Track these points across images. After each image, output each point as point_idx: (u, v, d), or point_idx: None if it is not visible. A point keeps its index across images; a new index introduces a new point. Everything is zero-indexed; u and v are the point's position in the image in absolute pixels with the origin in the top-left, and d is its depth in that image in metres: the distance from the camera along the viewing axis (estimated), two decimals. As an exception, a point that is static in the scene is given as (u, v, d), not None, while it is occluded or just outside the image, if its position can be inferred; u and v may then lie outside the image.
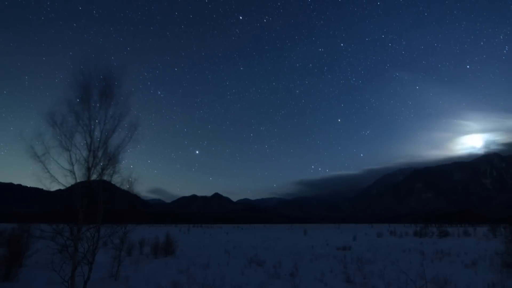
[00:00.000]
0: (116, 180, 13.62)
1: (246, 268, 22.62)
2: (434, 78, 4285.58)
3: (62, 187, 12.10)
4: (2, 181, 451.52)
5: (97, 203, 12.53)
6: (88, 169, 12.23)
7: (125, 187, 18.59)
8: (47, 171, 11.64)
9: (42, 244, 15.07)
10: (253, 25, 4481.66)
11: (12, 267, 17.54)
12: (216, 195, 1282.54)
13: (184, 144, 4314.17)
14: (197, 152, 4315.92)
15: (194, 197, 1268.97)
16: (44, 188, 11.84)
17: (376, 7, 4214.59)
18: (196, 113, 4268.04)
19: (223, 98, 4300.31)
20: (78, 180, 12.08)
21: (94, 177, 12.48)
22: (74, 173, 12.03)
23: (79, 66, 12.79)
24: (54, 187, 11.93)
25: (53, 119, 11.82)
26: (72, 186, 12.05)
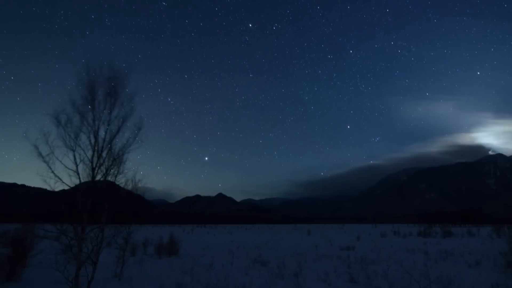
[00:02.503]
0: (120, 180, 13.67)
1: (250, 268, 22.62)
2: (444, 85, 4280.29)
3: (66, 187, 12.13)
4: (6, 181, 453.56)
5: (101, 203, 12.56)
6: (93, 169, 12.25)
7: (130, 187, 18.66)
8: (51, 171, 11.67)
9: (46, 244, 15.10)
10: (262, 32, 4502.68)
11: (16, 267, 17.58)
12: (220, 195, 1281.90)
13: (194, 150, 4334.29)
14: (206, 158, 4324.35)
15: (197, 197, 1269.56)
16: (49, 188, 11.86)
17: (385, 14, 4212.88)
18: (206, 120, 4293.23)
19: (232, 105, 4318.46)
20: (82, 180, 12.11)
21: (98, 177, 12.50)
22: (78, 173, 12.05)
23: (84, 66, 12.84)
24: (58, 187, 11.96)
25: (57, 119, 11.86)
26: (77, 186, 12.08)
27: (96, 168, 12.35)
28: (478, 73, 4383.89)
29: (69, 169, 11.98)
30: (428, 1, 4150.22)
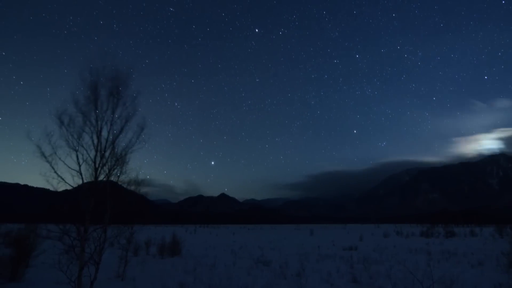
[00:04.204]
0: (123, 180, 13.68)
1: (253, 269, 22.63)
2: (451, 89, 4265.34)
3: (69, 188, 12.14)
4: (9, 181, 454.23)
5: (104, 203, 12.56)
6: (95, 170, 12.25)
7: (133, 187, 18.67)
8: (54, 171, 11.68)
9: (49, 245, 15.12)
10: (268, 37, 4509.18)
11: (18, 268, 17.62)
12: (223, 195, 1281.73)
13: (200, 155, 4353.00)
14: (212, 163, 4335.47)
15: (200, 197, 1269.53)
16: (52, 189, 11.87)
17: (392, 19, 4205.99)
18: (212, 124, 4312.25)
19: (239, 109, 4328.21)
20: (85, 181, 12.11)
21: (101, 177, 12.50)
22: (81, 174, 12.05)
23: (88, 66, 12.83)
24: (61, 187, 11.97)
25: (60, 119, 11.86)
26: (79, 186, 12.08)
27: (99, 168, 12.35)
28: (486, 77, 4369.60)
29: (72, 169, 11.99)
30: (435, 6, 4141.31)
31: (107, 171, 12.69)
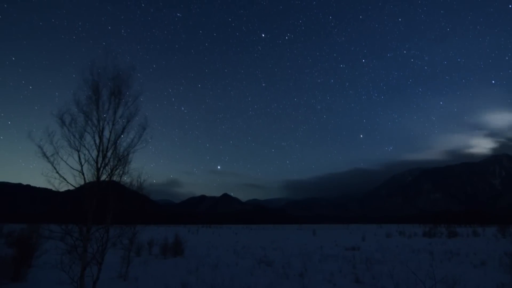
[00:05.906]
0: (125, 180, 13.65)
1: (255, 269, 22.61)
2: (458, 94, 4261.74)
3: (71, 188, 12.12)
4: (11, 181, 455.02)
5: (106, 203, 12.54)
6: (98, 170, 12.22)
7: (135, 187, 18.67)
8: (56, 171, 11.65)
9: (51, 245, 15.13)
10: (275, 42, 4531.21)
11: (21, 268, 17.63)
12: (225, 196, 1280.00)
13: (206, 159, 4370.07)
14: (218, 167, 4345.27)
15: (203, 197, 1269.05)
16: (53, 189, 11.86)
17: (398, 23, 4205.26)
18: (219, 129, 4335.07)
19: (245, 114, 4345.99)
20: (87, 181, 12.08)
21: (103, 177, 12.47)
22: (83, 174, 12.03)
23: (89, 66, 12.80)
24: (63, 187, 11.95)
25: (62, 119, 11.83)
26: (81, 186, 12.06)
27: (101, 168, 12.32)
28: (493, 81, 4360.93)
29: (74, 169, 11.96)
30: (441, 10, 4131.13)
31: (109, 171, 12.65)
